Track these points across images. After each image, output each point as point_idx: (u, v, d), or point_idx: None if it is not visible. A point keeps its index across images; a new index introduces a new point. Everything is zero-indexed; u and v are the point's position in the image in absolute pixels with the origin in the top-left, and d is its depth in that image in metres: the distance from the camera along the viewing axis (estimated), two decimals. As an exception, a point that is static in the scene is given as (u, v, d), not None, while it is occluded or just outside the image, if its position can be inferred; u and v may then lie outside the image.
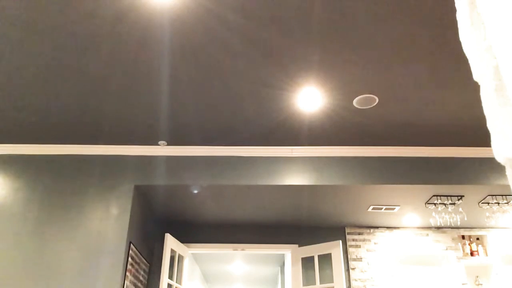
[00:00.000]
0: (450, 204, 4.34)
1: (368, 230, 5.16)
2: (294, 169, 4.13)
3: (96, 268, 3.64)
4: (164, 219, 5.02)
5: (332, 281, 4.78)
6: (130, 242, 3.88)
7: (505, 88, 0.51)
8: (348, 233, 5.13)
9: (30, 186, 4.01)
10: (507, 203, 4.30)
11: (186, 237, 5.12)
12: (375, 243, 5.08)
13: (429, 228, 5.16)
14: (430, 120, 3.70)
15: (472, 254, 5.02)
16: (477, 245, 5.08)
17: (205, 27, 2.69)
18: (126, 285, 3.77)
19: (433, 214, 4.75)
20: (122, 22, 2.65)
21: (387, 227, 5.18)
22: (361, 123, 3.76)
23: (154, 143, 4.12)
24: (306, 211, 4.74)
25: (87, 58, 2.98)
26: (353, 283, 4.84)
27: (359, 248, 5.05)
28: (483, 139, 4.02)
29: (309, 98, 3.40)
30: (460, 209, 4.57)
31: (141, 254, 4.31)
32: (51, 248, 3.72)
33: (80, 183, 4.02)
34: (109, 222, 3.84)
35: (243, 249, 5.09)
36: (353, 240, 5.09)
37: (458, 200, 4.31)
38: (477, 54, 0.58)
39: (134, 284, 4.07)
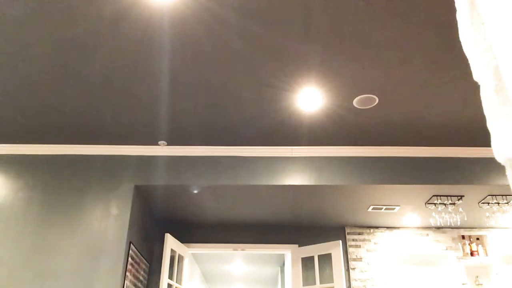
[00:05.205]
0: (450, 204, 4.34)
1: (368, 230, 5.16)
2: (294, 169, 4.12)
3: (96, 268, 3.64)
4: (164, 219, 5.02)
5: (332, 281, 4.78)
6: (130, 242, 3.88)
7: (505, 88, 0.51)
8: (348, 233, 5.13)
9: (30, 186, 4.00)
10: (507, 203, 4.29)
11: (186, 237, 5.12)
12: (375, 243, 5.08)
13: (429, 228, 5.16)
14: (430, 120, 3.70)
15: (472, 254, 5.02)
16: (477, 245, 5.08)
17: (205, 27, 2.69)
18: (126, 285, 3.77)
19: (433, 214, 4.75)
20: (122, 22, 2.65)
21: (387, 227, 5.18)
22: (361, 123, 3.76)
23: (154, 143, 4.12)
24: (306, 211, 4.74)
25: (87, 58, 2.98)
26: (353, 283, 4.84)
27: (359, 248, 5.05)
28: (483, 139, 4.01)
29: (309, 98, 3.39)
30: (460, 209, 4.57)
31: (141, 254, 4.31)
32: (51, 248, 3.72)
33: (80, 183, 4.02)
34: (109, 222, 3.84)
35: (243, 249, 5.09)
36: (353, 240, 5.09)
37: (458, 200, 4.30)
38: (477, 54, 0.58)
39: (134, 284, 4.07)
